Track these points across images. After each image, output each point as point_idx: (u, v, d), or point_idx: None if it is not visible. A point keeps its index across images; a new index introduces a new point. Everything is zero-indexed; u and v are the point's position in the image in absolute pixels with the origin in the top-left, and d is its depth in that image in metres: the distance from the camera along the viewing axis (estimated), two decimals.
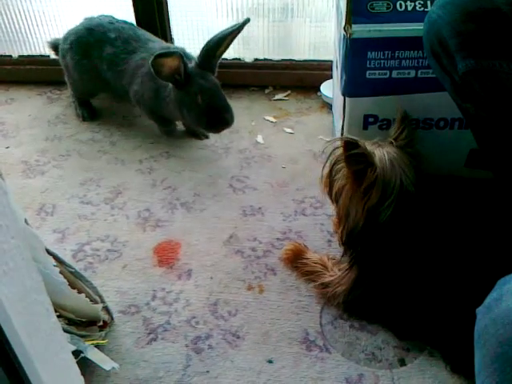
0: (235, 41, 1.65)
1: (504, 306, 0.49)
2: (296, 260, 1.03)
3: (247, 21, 1.28)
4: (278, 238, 1.13)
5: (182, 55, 1.20)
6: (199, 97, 1.24)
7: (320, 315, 0.97)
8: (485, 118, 0.80)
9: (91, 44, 1.39)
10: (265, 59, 1.63)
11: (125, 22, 1.42)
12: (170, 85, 1.28)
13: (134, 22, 1.55)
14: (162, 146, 1.42)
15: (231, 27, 1.27)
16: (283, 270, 1.06)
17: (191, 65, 1.27)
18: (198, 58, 1.27)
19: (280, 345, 0.93)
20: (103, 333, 0.92)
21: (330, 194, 0.92)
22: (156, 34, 1.59)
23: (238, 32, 1.28)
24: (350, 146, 0.81)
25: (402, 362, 0.89)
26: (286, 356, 0.91)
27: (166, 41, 1.58)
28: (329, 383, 0.86)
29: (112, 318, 0.96)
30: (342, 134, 1.05)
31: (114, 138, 1.45)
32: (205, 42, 1.27)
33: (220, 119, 1.27)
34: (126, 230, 1.16)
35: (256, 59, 1.63)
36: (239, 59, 1.63)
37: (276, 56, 1.62)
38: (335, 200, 0.91)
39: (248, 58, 1.63)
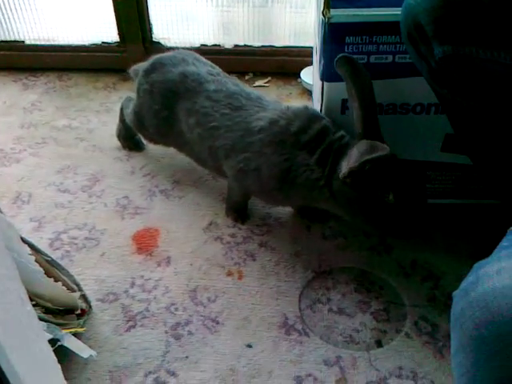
0: (215, 26, 1.66)
1: (480, 290, 0.49)
2: None
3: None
4: (257, 225, 1.13)
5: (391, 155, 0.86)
6: (391, 195, 0.88)
7: (299, 300, 0.98)
8: (461, 103, 0.80)
9: (181, 93, 1.10)
10: (245, 45, 1.62)
11: (228, 77, 1.12)
12: (312, 167, 0.94)
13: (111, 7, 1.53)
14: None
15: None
16: (263, 256, 1.06)
17: (346, 138, 0.95)
18: (359, 128, 0.91)
19: (259, 329, 0.93)
20: (81, 321, 0.91)
21: None
22: (134, 21, 1.57)
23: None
24: None
25: (379, 344, 0.90)
26: (265, 340, 0.91)
27: (144, 27, 1.57)
28: (307, 366, 0.87)
29: (90, 306, 0.95)
30: None
31: (92, 124, 1.43)
32: (360, 114, 0.90)
33: (415, 221, 0.95)
34: (104, 218, 1.15)
35: (236, 45, 1.62)
36: (219, 45, 1.62)
37: (256, 42, 1.61)
38: None
39: (228, 44, 1.62)
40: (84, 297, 0.95)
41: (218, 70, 1.14)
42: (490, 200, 1.09)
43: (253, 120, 1.01)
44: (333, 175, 0.92)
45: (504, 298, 0.46)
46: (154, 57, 1.18)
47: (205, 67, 1.13)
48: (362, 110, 0.90)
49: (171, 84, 1.11)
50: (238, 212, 1.15)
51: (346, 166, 0.87)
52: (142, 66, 1.19)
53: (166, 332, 0.93)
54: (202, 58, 1.18)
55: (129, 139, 1.34)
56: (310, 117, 0.98)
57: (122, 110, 1.30)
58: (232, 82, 1.09)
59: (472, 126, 0.86)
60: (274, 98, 1.14)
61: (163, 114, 1.13)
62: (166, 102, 1.12)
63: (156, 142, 1.26)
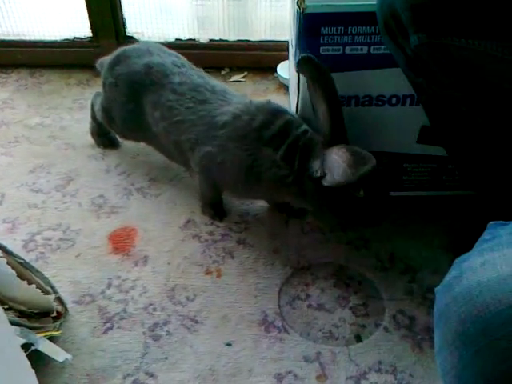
0: (189, 21, 1.63)
1: (465, 284, 0.49)
2: None
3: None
4: (235, 222, 1.12)
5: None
6: (361, 190, 0.90)
7: (278, 296, 0.97)
8: (437, 92, 0.80)
9: (146, 86, 1.09)
10: (220, 40, 1.60)
11: (194, 69, 1.12)
12: (278, 163, 0.95)
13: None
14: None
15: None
16: (241, 254, 1.05)
17: (309, 133, 0.96)
18: (326, 130, 0.92)
19: (239, 327, 0.92)
20: (57, 324, 0.90)
21: None
22: (107, 15, 1.54)
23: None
24: None
25: (359, 339, 0.90)
26: (245, 338, 0.91)
27: (117, 21, 1.54)
28: (287, 363, 0.87)
29: (66, 309, 0.94)
30: (296, 113, 1.04)
31: (65, 122, 1.40)
32: (326, 113, 0.92)
33: (381, 213, 0.96)
34: (79, 218, 1.13)
35: (211, 40, 1.60)
36: (194, 40, 1.60)
37: (232, 37, 1.60)
38: None
39: (203, 38, 1.60)
40: (59, 299, 0.93)
41: (183, 60, 1.14)
42: (466, 191, 1.10)
43: (217, 114, 1.01)
44: (303, 173, 0.93)
45: (489, 291, 0.46)
46: (118, 49, 1.17)
47: (170, 58, 1.12)
48: (329, 112, 0.91)
49: (136, 76, 1.10)
50: (215, 209, 1.14)
51: (332, 176, 0.87)
52: (106, 59, 1.17)
53: (144, 333, 0.91)
54: (167, 49, 1.17)
55: (102, 136, 1.31)
56: (272, 111, 0.99)
57: (92, 106, 1.28)
58: (197, 74, 1.09)
59: (447, 117, 0.86)
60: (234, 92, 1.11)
61: (130, 107, 1.12)
62: (131, 95, 1.11)
63: (126, 137, 1.25)
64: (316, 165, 0.90)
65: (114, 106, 1.16)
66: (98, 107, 1.23)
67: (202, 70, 1.13)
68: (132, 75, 1.11)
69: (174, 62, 1.10)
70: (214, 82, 1.09)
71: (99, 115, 1.24)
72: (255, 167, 0.97)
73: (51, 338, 0.85)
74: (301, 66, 0.94)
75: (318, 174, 0.90)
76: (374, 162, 0.86)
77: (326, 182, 0.88)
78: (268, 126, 0.97)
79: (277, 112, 0.99)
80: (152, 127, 1.10)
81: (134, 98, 1.11)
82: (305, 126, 0.97)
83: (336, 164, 0.86)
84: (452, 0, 0.70)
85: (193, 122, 1.03)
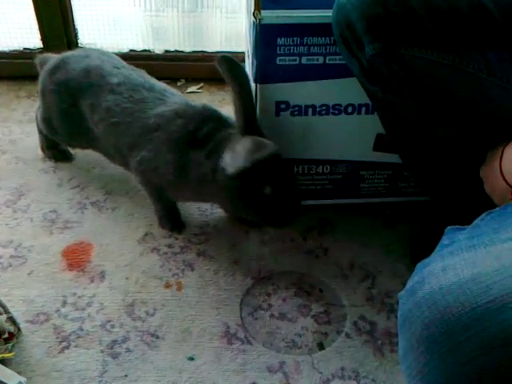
0: (144, 31, 1.62)
1: (427, 289, 0.50)
2: None
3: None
4: (194, 234, 1.11)
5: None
6: (268, 188, 0.93)
7: (240, 308, 0.96)
8: (392, 101, 0.82)
9: (84, 89, 1.07)
10: (176, 51, 1.59)
11: (134, 69, 1.11)
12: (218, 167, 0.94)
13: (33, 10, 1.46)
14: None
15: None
16: (201, 266, 1.04)
17: (231, 131, 0.97)
18: (240, 123, 0.94)
19: (201, 341, 0.91)
20: (9, 345, 0.86)
21: None
22: (58, 27, 1.50)
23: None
24: None
25: (321, 346, 0.90)
26: (207, 352, 0.89)
27: (69, 33, 1.51)
28: (251, 374, 0.86)
29: (19, 329, 0.89)
30: None
31: (14, 135, 1.35)
32: (238, 103, 0.94)
33: (292, 213, 0.98)
34: (31, 234, 1.08)
35: (167, 51, 1.59)
36: (149, 51, 1.58)
37: (187, 48, 1.59)
38: None
39: (158, 49, 1.58)
40: (11, 319, 0.88)
41: (123, 63, 1.13)
42: (422, 197, 1.13)
43: (151, 116, 1.01)
44: (217, 169, 0.95)
45: (451, 295, 0.47)
46: (57, 56, 1.15)
47: (109, 60, 1.11)
48: (242, 106, 0.94)
49: (75, 80, 1.09)
50: (172, 221, 1.12)
51: (231, 163, 0.89)
52: (47, 65, 1.15)
53: (102, 351, 0.88)
54: (109, 53, 1.16)
55: (52, 149, 1.27)
56: (206, 115, 1.00)
57: (36, 119, 1.25)
58: (137, 74, 1.09)
59: (402, 125, 0.88)
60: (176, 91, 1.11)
61: (70, 113, 1.11)
62: (71, 100, 1.09)
63: (72, 145, 1.24)
64: (226, 157, 0.92)
65: (54, 114, 1.14)
66: (39, 119, 1.21)
67: (143, 71, 1.12)
68: (70, 80, 1.09)
69: (113, 64, 1.10)
70: (154, 81, 1.09)
71: (41, 126, 1.21)
72: (185, 169, 0.99)
73: (3, 361, 0.82)
74: (219, 64, 0.95)
75: (230, 169, 0.91)
76: (273, 147, 0.90)
77: (227, 171, 0.90)
78: (200, 130, 0.98)
79: (211, 116, 1.00)
80: (93, 131, 1.09)
81: (74, 103, 1.09)
82: (235, 130, 0.98)
83: (237, 152, 0.89)
84: (405, 11, 0.72)
85: (129, 125, 1.03)
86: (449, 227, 0.59)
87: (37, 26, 1.50)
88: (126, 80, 1.06)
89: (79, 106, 1.09)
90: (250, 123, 0.95)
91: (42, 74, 1.15)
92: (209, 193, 1.01)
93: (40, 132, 1.26)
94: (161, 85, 1.08)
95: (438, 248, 0.56)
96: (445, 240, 0.57)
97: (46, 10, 1.46)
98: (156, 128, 1.00)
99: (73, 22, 1.51)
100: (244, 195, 0.95)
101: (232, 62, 0.95)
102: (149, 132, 1.01)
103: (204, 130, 0.98)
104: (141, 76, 1.08)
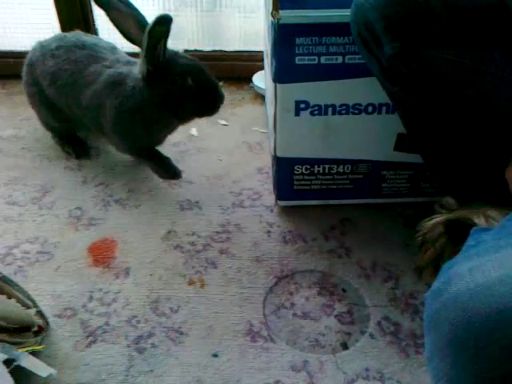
0: None
1: (454, 290, 0.49)
2: None
3: None
4: (217, 232, 1.12)
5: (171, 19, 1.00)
6: (189, 79, 1.04)
7: (263, 306, 0.97)
8: (412, 100, 0.82)
9: (33, 63, 1.20)
10: (195, 50, 1.60)
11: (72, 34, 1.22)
12: (135, 88, 1.07)
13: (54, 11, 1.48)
14: (91, 142, 1.35)
15: None
16: (224, 263, 1.05)
17: None
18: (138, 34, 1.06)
19: (225, 338, 0.92)
20: (39, 338, 0.87)
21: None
22: (78, 25, 1.52)
23: None
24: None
25: (345, 346, 0.91)
26: (231, 349, 0.90)
27: (90, 33, 1.52)
28: (275, 372, 0.87)
29: (47, 323, 0.91)
30: (274, 122, 1.05)
31: (39, 133, 1.37)
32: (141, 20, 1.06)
33: (217, 97, 1.09)
34: (57, 231, 1.10)
35: (186, 50, 1.59)
36: None
37: (206, 47, 1.60)
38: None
39: (177, 49, 1.59)
40: (40, 313, 0.90)
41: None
42: (444, 197, 1.13)
43: (87, 73, 1.12)
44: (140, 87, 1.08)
45: (479, 297, 0.47)
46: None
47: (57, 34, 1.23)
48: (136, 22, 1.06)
49: (27, 62, 1.22)
50: (167, 171, 1.20)
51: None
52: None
53: (129, 346, 0.90)
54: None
55: (71, 144, 1.31)
56: (128, 60, 1.15)
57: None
58: (71, 35, 1.19)
59: (423, 124, 0.88)
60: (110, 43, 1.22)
61: (35, 92, 1.22)
62: (30, 77, 1.22)
63: (63, 127, 1.29)
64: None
65: (35, 103, 1.26)
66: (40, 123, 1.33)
67: (79, 31, 1.23)
68: (28, 60, 1.22)
69: (58, 34, 1.22)
70: (86, 37, 1.19)
71: (43, 127, 1.32)
72: (123, 104, 1.09)
73: (33, 353, 0.83)
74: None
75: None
76: (164, 19, 0.97)
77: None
78: (129, 74, 1.09)
79: (129, 60, 1.14)
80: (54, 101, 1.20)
81: (33, 81, 1.21)
82: None
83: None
84: (425, 10, 0.72)
85: (72, 86, 1.14)
86: (474, 228, 0.59)
87: (58, 26, 1.52)
88: (62, 43, 1.16)
89: (37, 81, 1.20)
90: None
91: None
92: (146, 114, 1.09)
93: (51, 133, 1.33)
94: (91, 40, 1.19)
95: (463, 249, 0.56)
96: (471, 241, 0.57)
97: (67, 9, 1.48)
98: (92, 82, 1.12)
99: (93, 22, 1.53)
100: (171, 94, 1.06)
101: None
102: (88, 88, 1.12)
103: (131, 74, 1.09)
104: (74, 36, 1.19)
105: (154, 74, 1.05)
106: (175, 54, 1.08)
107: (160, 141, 1.21)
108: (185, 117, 1.13)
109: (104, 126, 1.15)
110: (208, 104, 1.09)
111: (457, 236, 0.73)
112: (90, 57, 1.13)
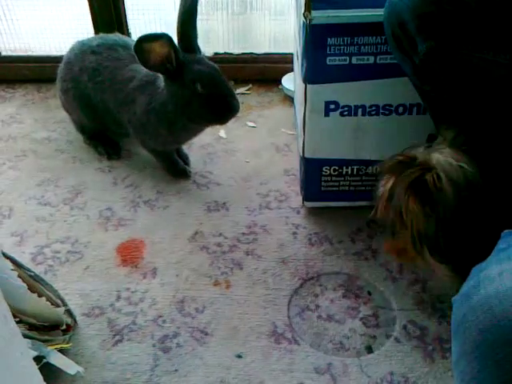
0: None
1: (483, 293, 0.48)
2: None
3: None
4: (243, 233, 1.12)
5: (171, 39, 1.03)
6: (198, 84, 1.06)
7: (288, 308, 0.97)
8: (444, 99, 0.81)
9: (72, 61, 1.25)
10: (225, 53, 1.61)
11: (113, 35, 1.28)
12: (161, 89, 1.12)
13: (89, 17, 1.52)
14: (122, 143, 1.38)
15: None
16: (249, 265, 1.05)
17: None
18: (178, 41, 1.09)
19: (249, 339, 0.92)
20: (67, 336, 0.90)
21: (392, 219, 0.81)
22: (112, 30, 1.55)
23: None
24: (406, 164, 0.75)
25: (370, 350, 0.90)
26: (255, 350, 0.90)
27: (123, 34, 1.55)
28: (298, 374, 0.86)
29: (75, 321, 0.93)
30: (303, 122, 1.05)
31: (71, 136, 1.41)
32: (177, 21, 1.10)
33: (226, 106, 1.08)
34: (87, 231, 1.13)
35: (216, 53, 1.61)
36: None
37: (236, 50, 1.61)
38: (399, 225, 0.80)
39: (208, 51, 1.61)
40: (69, 312, 0.93)
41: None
42: None
43: (128, 71, 1.17)
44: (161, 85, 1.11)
45: (508, 300, 0.45)
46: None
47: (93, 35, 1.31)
48: (180, 13, 1.08)
49: (65, 60, 1.27)
50: (174, 171, 1.27)
51: None
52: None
53: (154, 345, 0.91)
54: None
55: (103, 145, 1.34)
56: None
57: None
58: (113, 35, 1.25)
59: (454, 123, 0.86)
60: None
61: (70, 88, 1.25)
62: (68, 77, 1.26)
63: (94, 125, 1.32)
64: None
65: (72, 105, 1.29)
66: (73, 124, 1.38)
67: (116, 32, 1.29)
68: (66, 59, 1.27)
69: (98, 35, 1.28)
70: (127, 38, 1.25)
71: (76, 129, 1.37)
72: (151, 103, 1.14)
73: (61, 351, 0.85)
74: None
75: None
76: (148, 34, 1.02)
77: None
78: None
79: None
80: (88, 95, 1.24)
81: (71, 77, 1.25)
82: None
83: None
84: (459, 8, 0.71)
85: (111, 82, 1.18)
86: (505, 231, 0.58)
87: (93, 32, 1.56)
88: (103, 41, 1.22)
89: (75, 76, 1.24)
90: (187, 30, 1.09)
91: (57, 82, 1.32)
92: (172, 119, 1.13)
93: (85, 139, 1.37)
94: (133, 40, 1.18)
95: (494, 252, 0.55)
96: (501, 244, 0.55)
97: (101, 15, 1.51)
98: (130, 79, 1.16)
99: (126, 26, 1.56)
100: (182, 96, 1.08)
101: None
102: (126, 86, 1.16)
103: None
104: (116, 35, 1.25)
105: (171, 78, 1.08)
106: (195, 58, 1.09)
107: (181, 142, 1.26)
108: (198, 122, 1.14)
109: (132, 122, 1.19)
110: (217, 113, 1.09)
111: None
112: (131, 56, 1.14)
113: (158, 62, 1.04)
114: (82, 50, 1.23)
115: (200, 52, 1.13)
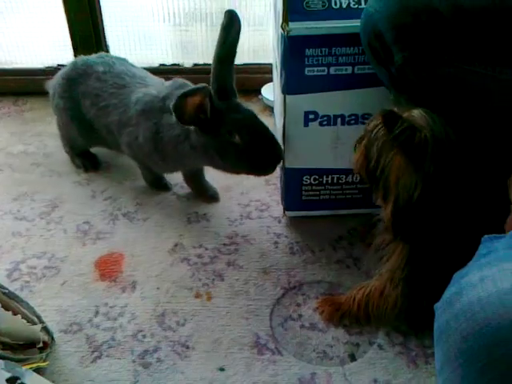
0: (173, 46, 1.64)
1: (465, 300, 0.48)
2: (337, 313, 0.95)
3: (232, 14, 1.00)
4: (224, 244, 1.11)
5: (208, 90, 0.94)
6: (236, 136, 0.97)
7: (270, 318, 0.96)
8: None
9: (74, 79, 1.19)
10: (204, 64, 1.61)
11: (117, 58, 1.22)
12: (190, 128, 1.01)
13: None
14: (100, 155, 1.36)
15: (225, 30, 0.99)
16: (231, 276, 1.04)
17: None
18: (213, 86, 0.99)
19: (231, 351, 0.91)
20: (44, 354, 0.87)
21: (368, 175, 0.82)
22: (90, 42, 1.54)
23: (238, 33, 1.01)
24: (390, 120, 0.74)
25: (353, 358, 0.89)
26: (237, 362, 0.89)
27: (101, 49, 1.54)
28: None
29: (53, 339, 0.91)
30: (283, 133, 1.04)
31: (48, 149, 1.38)
32: (214, 61, 0.99)
33: (270, 157, 0.99)
34: (64, 245, 1.10)
35: (195, 64, 1.61)
36: (178, 65, 1.60)
37: None
38: (377, 180, 0.80)
39: (187, 63, 1.61)
40: (46, 329, 0.90)
41: (109, 55, 1.26)
42: None
43: (133, 95, 1.12)
44: (189, 128, 1.01)
45: (490, 307, 0.45)
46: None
47: (95, 56, 1.23)
48: (215, 58, 0.99)
49: (66, 77, 1.21)
50: (157, 185, 1.26)
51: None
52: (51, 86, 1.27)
53: (134, 361, 0.89)
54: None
55: (81, 157, 1.32)
56: (176, 85, 1.09)
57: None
58: (119, 63, 1.20)
59: None
60: (157, 77, 1.20)
61: (69, 107, 1.21)
62: (67, 91, 1.21)
63: (89, 145, 1.31)
64: None
65: (65, 122, 1.26)
66: (60, 135, 1.34)
67: (125, 59, 1.24)
68: (65, 79, 1.22)
69: (98, 56, 1.23)
70: (135, 68, 1.20)
71: (62, 141, 1.34)
72: (160, 133, 1.06)
73: (38, 370, 0.82)
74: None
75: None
76: (201, 85, 0.94)
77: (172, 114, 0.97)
78: (170, 96, 1.04)
79: (183, 85, 1.08)
80: (88, 118, 1.19)
81: (70, 96, 1.20)
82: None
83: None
84: (435, 20, 0.71)
85: (115, 106, 1.13)
86: (485, 236, 0.57)
87: (70, 44, 1.54)
88: (109, 69, 1.17)
89: (75, 97, 1.20)
90: (221, 77, 1.00)
91: (52, 95, 1.27)
92: (186, 154, 1.06)
93: (66, 148, 1.34)
94: (141, 71, 1.20)
95: (475, 257, 0.55)
96: (482, 249, 0.55)
97: (79, 28, 1.50)
98: (135, 102, 1.10)
99: (104, 38, 1.55)
100: (216, 148, 1.00)
101: (234, 15, 0.99)
102: (130, 108, 1.11)
103: (174, 96, 0.98)
104: (122, 64, 1.20)
105: (203, 128, 0.99)
106: (230, 105, 1.00)
107: (181, 171, 1.23)
108: (236, 172, 1.06)
109: (132, 146, 1.14)
110: (257, 166, 1.00)
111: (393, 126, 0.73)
112: (139, 84, 1.13)
113: (192, 114, 0.96)
114: (87, 73, 1.18)
115: (236, 96, 1.02)
